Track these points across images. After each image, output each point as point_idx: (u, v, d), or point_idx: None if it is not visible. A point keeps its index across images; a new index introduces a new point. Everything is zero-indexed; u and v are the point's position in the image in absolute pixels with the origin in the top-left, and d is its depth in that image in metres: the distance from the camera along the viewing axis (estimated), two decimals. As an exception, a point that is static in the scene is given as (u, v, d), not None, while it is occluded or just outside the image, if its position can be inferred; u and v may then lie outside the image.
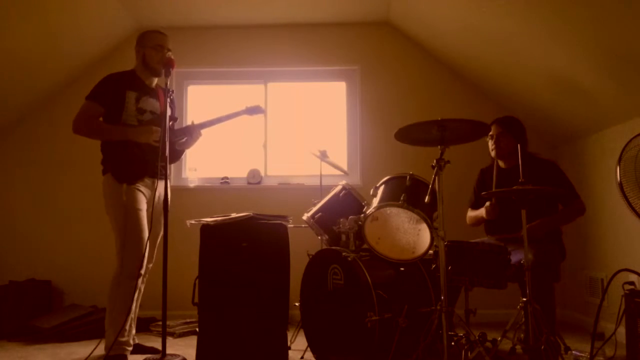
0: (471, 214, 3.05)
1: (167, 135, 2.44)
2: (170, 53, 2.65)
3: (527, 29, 3.05)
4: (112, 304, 2.57)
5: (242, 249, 2.50)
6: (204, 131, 2.86)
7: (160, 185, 2.76)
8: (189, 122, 2.88)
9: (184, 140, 2.85)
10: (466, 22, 3.44)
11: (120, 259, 2.57)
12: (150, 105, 2.73)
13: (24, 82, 3.82)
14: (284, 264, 2.56)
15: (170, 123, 2.69)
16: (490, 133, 2.90)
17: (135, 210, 2.60)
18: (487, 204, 2.80)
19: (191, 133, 2.82)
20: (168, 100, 2.51)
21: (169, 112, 2.54)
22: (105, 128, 2.66)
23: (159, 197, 2.75)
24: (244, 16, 4.10)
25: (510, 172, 2.83)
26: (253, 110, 2.98)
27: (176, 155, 2.94)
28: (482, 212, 2.84)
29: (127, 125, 2.65)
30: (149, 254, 2.72)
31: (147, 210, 2.67)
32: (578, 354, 2.49)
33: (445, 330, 2.09)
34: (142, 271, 2.61)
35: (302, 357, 2.70)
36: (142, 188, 2.66)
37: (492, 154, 2.94)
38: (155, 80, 2.84)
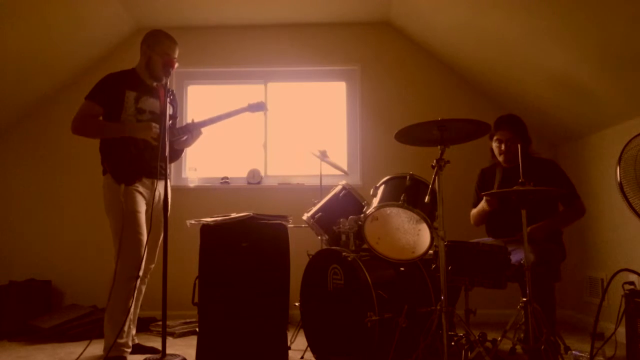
0: (474, 211, 3.04)
1: (167, 135, 2.44)
2: (176, 63, 2.67)
3: (528, 29, 3.05)
4: (110, 306, 2.55)
5: (242, 249, 2.50)
6: (204, 129, 2.83)
7: (160, 185, 2.75)
8: (189, 121, 2.86)
9: (184, 138, 2.81)
10: (466, 22, 3.44)
11: (118, 261, 2.55)
12: (149, 105, 2.71)
13: (24, 82, 3.82)
14: (284, 264, 2.56)
15: (170, 122, 2.68)
16: (498, 137, 2.88)
17: (133, 212, 2.58)
18: (485, 196, 2.79)
19: (191, 131, 2.78)
20: (168, 99, 2.50)
21: (170, 112, 2.54)
22: (103, 125, 2.64)
23: (159, 197, 2.74)
24: (244, 16, 4.10)
25: (512, 172, 2.82)
26: (256, 107, 2.93)
27: (176, 155, 2.91)
28: (482, 204, 2.84)
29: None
30: (149, 255, 2.72)
31: (147, 211, 2.66)
32: (578, 354, 2.48)
33: (445, 330, 2.09)
34: (141, 273, 2.60)
35: (302, 357, 2.70)
36: (141, 189, 2.65)
37: (500, 159, 2.91)
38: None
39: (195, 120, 2.81)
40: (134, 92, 2.67)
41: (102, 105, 2.63)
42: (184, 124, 2.92)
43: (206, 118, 2.83)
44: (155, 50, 2.68)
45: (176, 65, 2.70)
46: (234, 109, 2.89)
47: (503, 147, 2.86)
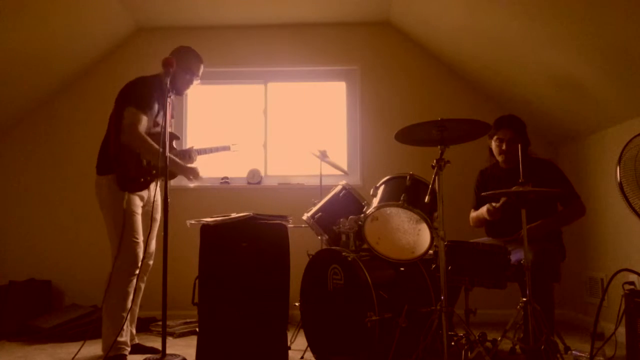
0: (473, 214, 3.03)
1: (167, 136, 2.44)
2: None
3: (527, 29, 3.05)
4: (109, 305, 2.56)
5: (242, 249, 2.50)
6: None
7: (159, 183, 2.77)
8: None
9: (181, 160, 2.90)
10: (466, 22, 3.45)
11: (116, 261, 2.55)
12: (162, 119, 2.71)
13: (24, 82, 3.82)
14: (284, 264, 2.55)
15: (173, 142, 2.82)
16: (499, 137, 2.87)
17: (131, 214, 2.59)
18: (489, 205, 2.76)
19: (190, 156, 2.94)
20: (169, 100, 2.51)
21: (168, 114, 2.54)
22: (155, 150, 2.55)
23: (156, 195, 2.77)
24: (244, 16, 4.10)
25: (510, 173, 2.82)
26: (226, 148, 3.20)
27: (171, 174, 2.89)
28: (483, 212, 2.82)
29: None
30: (148, 249, 2.74)
31: (144, 207, 2.70)
32: (578, 354, 2.49)
33: (445, 330, 2.09)
34: (137, 271, 2.60)
35: (302, 357, 2.70)
36: (141, 192, 2.68)
37: (500, 158, 2.91)
38: None
39: (195, 147, 3.02)
40: (158, 105, 2.68)
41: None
42: (185, 148, 3.08)
43: (205, 147, 3.07)
44: (184, 68, 2.72)
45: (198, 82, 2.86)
46: (222, 145, 3.18)
47: (504, 146, 2.86)
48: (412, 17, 3.96)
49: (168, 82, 2.53)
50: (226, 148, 3.18)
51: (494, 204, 2.72)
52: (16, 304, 3.56)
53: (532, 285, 2.25)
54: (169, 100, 2.53)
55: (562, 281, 2.70)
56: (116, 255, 2.56)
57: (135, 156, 2.62)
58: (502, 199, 2.70)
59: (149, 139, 2.56)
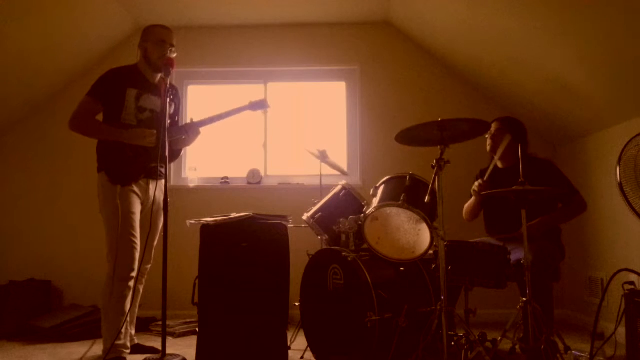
0: (465, 205, 3.05)
1: (166, 135, 2.43)
2: (173, 49, 2.63)
3: (527, 30, 3.05)
4: (106, 308, 2.53)
5: (242, 249, 2.50)
6: (203, 129, 2.76)
7: (158, 185, 2.73)
8: (188, 121, 2.81)
9: (182, 138, 2.76)
10: (466, 22, 3.45)
11: (112, 262, 2.52)
12: (150, 104, 2.68)
13: (24, 82, 3.82)
14: (284, 264, 2.56)
15: (169, 121, 2.62)
16: (490, 130, 2.91)
17: (128, 214, 2.55)
18: (476, 182, 2.85)
19: (188, 131, 2.71)
20: (168, 99, 2.49)
21: (170, 110, 2.52)
22: (100, 128, 2.61)
23: (156, 198, 2.72)
24: (244, 16, 4.10)
25: (508, 172, 2.84)
26: (257, 105, 2.85)
27: (174, 155, 2.87)
28: (473, 193, 2.90)
29: (126, 124, 2.61)
30: (146, 255, 2.69)
31: (143, 211, 2.65)
32: (578, 354, 2.49)
33: (445, 330, 2.09)
34: (135, 274, 2.57)
35: (302, 357, 2.70)
36: (136, 189, 2.62)
37: (488, 148, 2.97)
38: (159, 76, 2.74)
39: (194, 120, 2.74)
40: (136, 90, 2.64)
41: (102, 103, 2.61)
42: (183, 123, 2.89)
43: (205, 117, 2.76)
44: (149, 39, 2.66)
45: (175, 54, 2.63)
46: (234, 107, 2.82)
47: (491, 137, 2.93)
48: (412, 17, 3.96)
49: (168, 82, 2.53)
50: (240, 110, 2.79)
51: (480, 181, 2.83)
52: (16, 304, 3.56)
53: (531, 285, 2.25)
54: (169, 99, 2.51)
55: (562, 281, 2.70)
56: (111, 255, 2.52)
57: (118, 148, 2.57)
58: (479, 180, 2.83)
59: (88, 119, 2.59)
